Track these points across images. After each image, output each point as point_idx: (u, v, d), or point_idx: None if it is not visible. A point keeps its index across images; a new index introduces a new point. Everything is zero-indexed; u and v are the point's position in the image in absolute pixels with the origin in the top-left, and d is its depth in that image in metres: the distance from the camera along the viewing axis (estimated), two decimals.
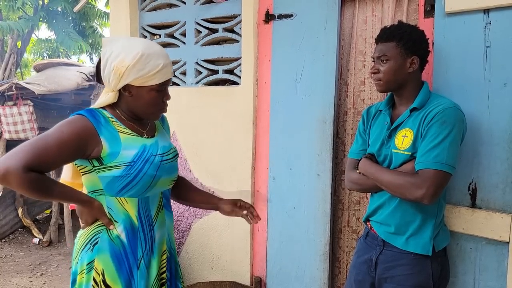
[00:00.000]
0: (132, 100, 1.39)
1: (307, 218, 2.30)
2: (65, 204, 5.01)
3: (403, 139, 1.60)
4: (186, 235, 2.76)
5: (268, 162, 2.44)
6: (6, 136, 5.15)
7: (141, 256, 1.41)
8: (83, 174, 1.40)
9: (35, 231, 5.28)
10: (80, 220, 1.45)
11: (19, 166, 1.20)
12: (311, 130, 2.27)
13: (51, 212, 5.50)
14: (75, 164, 1.39)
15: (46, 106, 6.00)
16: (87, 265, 1.37)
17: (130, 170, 1.34)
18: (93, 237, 1.39)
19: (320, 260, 2.27)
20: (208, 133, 2.66)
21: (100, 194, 1.39)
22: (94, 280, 1.35)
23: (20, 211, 5.40)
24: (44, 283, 3.96)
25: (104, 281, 1.36)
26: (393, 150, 1.63)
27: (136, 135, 1.42)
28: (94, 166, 1.35)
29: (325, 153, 2.23)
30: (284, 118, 2.36)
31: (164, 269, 1.51)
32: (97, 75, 1.42)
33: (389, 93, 1.75)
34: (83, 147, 1.31)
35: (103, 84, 1.41)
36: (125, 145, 1.36)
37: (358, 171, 1.71)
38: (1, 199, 5.21)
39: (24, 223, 5.44)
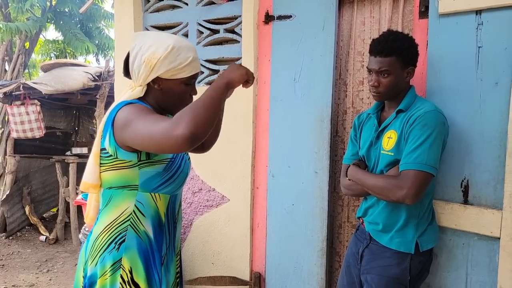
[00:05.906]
0: (161, 94, 1.37)
1: (305, 215, 2.35)
2: (71, 203, 5.09)
3: (388, 141, 1.68)
4: (187, 232, 2.82)
5: (267, 160, 2.49)
6: (14, 135, 5.25)
7: (165, 253, 1.40)
8: (114, 170, 1.31)
9: (42, 229, 5.37)
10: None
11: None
12: (309, 129, 2.31)
13: (57, 210, 5.58)
14: (116, 158, 1.30)
15: (53, 106, 6.12)
16: (112, 265, 1.30)
17: (171, 167, 1.35)
18: (117, 235, 1.32)
19: (318, 255, 2.32)
20: None
21: (131, 190, 1.33)
22: (122, 278, 1.30)
23: (27, 209, 5.50)
24: (50, 279, 4.03)
25: (132, 279, 1.31)
26: (381, 152, 1.70)
27: None
28: (140, 160, 1.30)
29: (322, 151, 2.28)
30: (283, 116, 2.41)
31: (178, 266, 1.54)
32: (125, 69, 1.43)
33: None
34: None
35: (130, 78, 1.41)
36: None
37: (347, 178, 1.79)
38: (9, 197, 5.31)
39: (31, 221, 5.53)
